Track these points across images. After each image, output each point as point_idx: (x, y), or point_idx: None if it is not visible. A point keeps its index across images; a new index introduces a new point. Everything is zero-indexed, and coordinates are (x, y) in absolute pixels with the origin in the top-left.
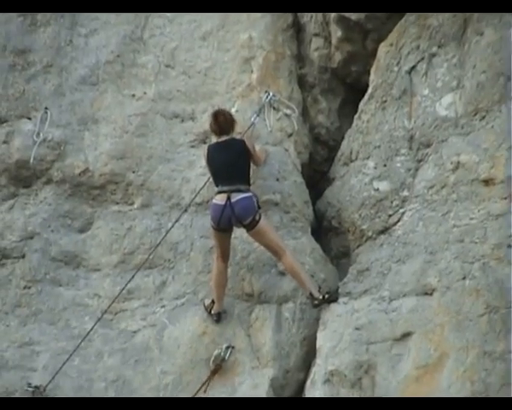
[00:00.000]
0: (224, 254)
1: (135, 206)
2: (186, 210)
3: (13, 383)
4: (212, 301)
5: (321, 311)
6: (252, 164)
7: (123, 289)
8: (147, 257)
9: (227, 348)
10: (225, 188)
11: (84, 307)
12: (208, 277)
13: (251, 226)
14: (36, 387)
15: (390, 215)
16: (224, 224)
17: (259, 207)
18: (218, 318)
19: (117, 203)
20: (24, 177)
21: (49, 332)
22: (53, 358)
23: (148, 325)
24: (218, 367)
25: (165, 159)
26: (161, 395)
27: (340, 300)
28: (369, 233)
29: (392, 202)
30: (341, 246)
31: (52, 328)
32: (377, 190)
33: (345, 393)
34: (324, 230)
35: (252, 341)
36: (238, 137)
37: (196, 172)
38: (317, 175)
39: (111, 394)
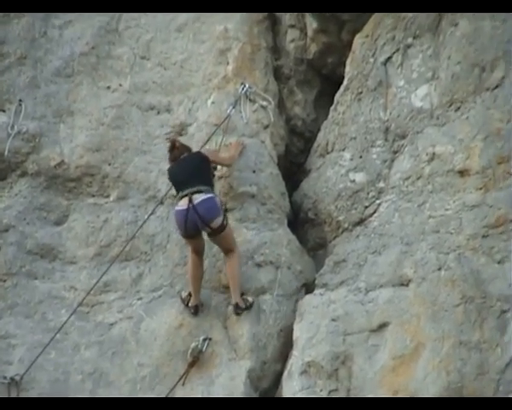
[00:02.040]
0: (198, 251)
1: (111, 198)
2: (162, 202)
3: None
4: (189, 294)
5: (297, 302)
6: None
7: (98, 280)
8: (122, 249)
9: (204, 340)
10: (185, 191)
11: (61, 300)
12: (185, 269)
13: (218, 231)
14: (11, 378)
15: (366, 207)
16: (191, 229)
17: (226, 210)
18: (196, 310)
19: (93, 196)
20: None
21: (25, 325)
22: (29, 351)
23: (124, 318)
24: (196, 359)
25: (141, 151)
26: (138, 388)
27: (317, 291)
28: (346, 225)
29: (368, 194)
30: (318, 237)
31: (28, 321)
32: (353, 181)
33: (321, 384)
34: (301, 221)
35: (229, 333)
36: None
37: None
38: (294, 167)
39: (88, 386)
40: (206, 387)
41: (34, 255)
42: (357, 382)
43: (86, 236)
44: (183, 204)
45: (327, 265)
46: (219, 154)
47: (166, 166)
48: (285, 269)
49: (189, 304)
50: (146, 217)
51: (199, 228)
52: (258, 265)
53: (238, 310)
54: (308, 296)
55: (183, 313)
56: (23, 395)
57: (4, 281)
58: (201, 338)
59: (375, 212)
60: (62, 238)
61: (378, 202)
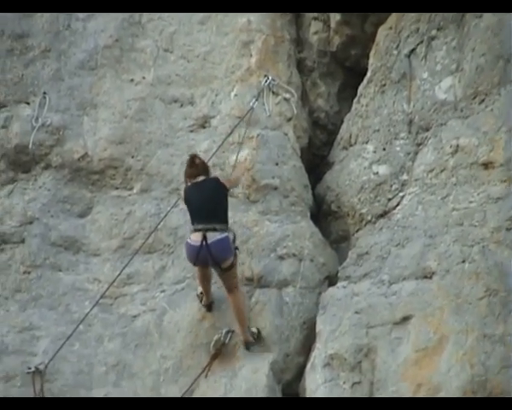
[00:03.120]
0: (207, 279)
1: (134, 191)
2: None
3: (13, 367)
4: (201, 293)
5: (320, 295)
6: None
7: (120, 272)
8: (144, 241)
9: (227, 332)
10: (200, 226)
11: (84, 292)
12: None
13: (227, 269)
14: (36, 368)
15: (389, 199)
16: (201, 263)
17: (236, 248)
18: (209, 309)
19: (116, 188)
20: (23, 162)
21: (49, 317)
22: (53, 342)
23: (147, 310)
24: (219, 352)
25: (164, 144)
26: (161, 380)
27: (340, 284)
28: (369, 217)
29: (391, 186)
30: (341, 230)
31: (52, 313)
32: (376, 173)
33: (345, 376)
34: (324, 214)
35: (252, 325)
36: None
37: None
38: (317, 159)
39: (111, 378)
40: (228, 379)
41: (58, 247)
42: (380, 374)
43: (110, 228)
44: (196, 239)
45: (350, 257)
46: (230, 179)
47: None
48: (308, 262)
49: (202, 303)
50: (168, 209)
51: (208, 263)
52: (281, 257)
53: (249, 345)
54: (331, 289)
55: None
56: (47, 385)
57: (29, 273)
58: (224, 331)
59: (398, 204)
60: (86, 231)
61: (401, 194)
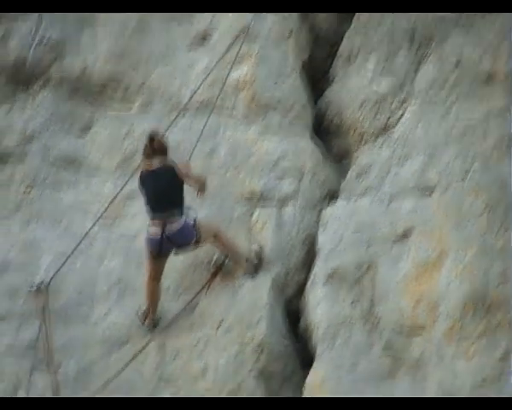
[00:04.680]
0: (158, 277)
1: (134, 108)
2: (184, 114)
3: (16, 284)
4: (146, 309)
5: (321, 212)
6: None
7: (120, 190)
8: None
9: None
10: (157, 217)
11: (85, 211)
12: (208, 180)
13: (196, 244)
14: (38, 286)
15: (390, 116)
16: (165, 252)
17: (195, 223)
18: (154, 326)
19: (116, 106)
20: (21, 79)
21: (51, 235)
22: (55, 260)
23: None
24: (219, 269)
25: (164, 60)
26: (162, 299)
27: (340, 201)
28: (369, 134)
29: (391, 103)
30: (341, 147)
31: (54, 231)
32: (377, 90)
33: (345, 293)
34: (324, 131)
35: (253, 243)
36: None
37: (196, 72)
38: (317, 75)
39: (113, 295)
40: (229, 296)
41: (58, 166)
42: (380, 290)
43: (109, 146)
44: (155, 233)
45: (350, 174)
46: (190, 172)
47: (190, 72)
48: (308, 179)
49: (145, 322)
50: (168, 126)
51: (172, 252)
52: (281, 175)
53: (256, 270)
54: (331, 206)
55: None
56: (50, 303)
57: (29, 192)
58: None
59: (398, 121)
60: (86, 149)
61: (402, 110)
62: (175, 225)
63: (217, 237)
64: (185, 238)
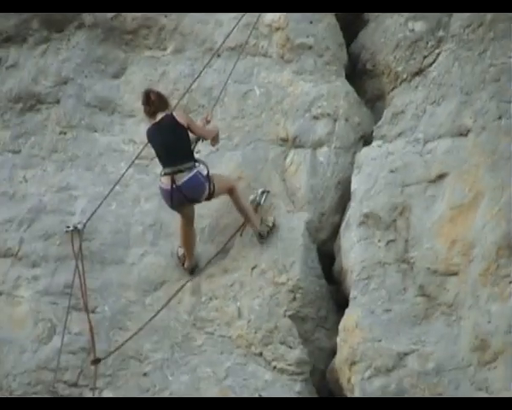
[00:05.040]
0: (188, 223)
1: (168, 51)
2: (219, 55)
3: (52, 226)
4: (183, 255)
5: (355, 154)
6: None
7: None
8: (177, 102)
9: (262, 192)
10: (167, 170)
11: (120, 153)
12: (242, 122)
13: (209, 198)
14: (74, 227)
15: (425, 56)
16: (179, 204)
17: (208, 175)
18: (191, 272)
19: (150, 48)
20: (56, 21)
21: (86, 177)
22: (90, 202)
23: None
24: (255, 211)
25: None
26: (198, 239)
27: (375, 143)
28: (404, 75)
29: (427, 43)
30: (376, 89)
31: (89, 173)
32: (412, 30)
33: (379, 235)
34: (359, 73)
35: (287, 185)
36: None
37: (229, 15)
38: (351, 16)
39: (149, 237)
40: (264, 239)
41: (93, 108)
42: (414, 232)
43: (144, 88)
44: (166, 183)
45: (385, 116)
46: (195, 122)
47: (223, 15)
48: (343, 121)
49: (184, 266)
50: (202, 69)
51: (186, 203)
52: (316, 117)
53: (262, 239)
54: (366, 148)
55: (242, 166)
56: (85, 244)
57: (65, 133)
58: (260, 191)
59: (434, 61)
60: (120, 91)
61: (437, 51)
62: (185, 176)
63: (231, 193)
64: (196, 189)
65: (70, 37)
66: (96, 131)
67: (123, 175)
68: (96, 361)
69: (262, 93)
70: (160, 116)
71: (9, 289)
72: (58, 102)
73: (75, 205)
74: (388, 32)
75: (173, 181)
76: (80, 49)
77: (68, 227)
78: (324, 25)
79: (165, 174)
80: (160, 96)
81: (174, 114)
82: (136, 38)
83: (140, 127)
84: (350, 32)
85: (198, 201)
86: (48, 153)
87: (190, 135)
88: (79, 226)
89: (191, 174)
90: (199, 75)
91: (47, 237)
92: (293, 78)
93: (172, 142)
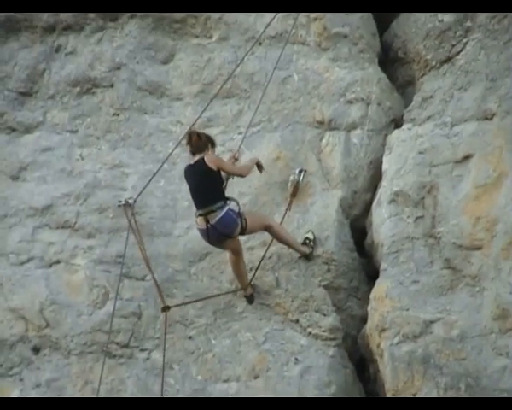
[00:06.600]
0: (234, 253)
1: (213, 39)
2: (260, 43)
3: (106, 200)
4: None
5: (387, 136)
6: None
7: (200, 115)
8: (221, 86)
9: (300, 171)
10: (200, 211)
11: (168, 134)
12: (281, 106)
13: (243, 233)
14: (126, 201)
15: (453, 45)
16: (216, 241)
17: (240, 211)
18: (250, 300)
19: (196, 36)
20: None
21: (137, 156)
22: (140, 179)
23: (226, 151)
24: (296, 190)
25: None
26: None
27: (405, 126)
28: (433, 63)
29: (455, 33)
30: (407, 75)
31: (139, 152)
32: (441, 21)
33: (408, 211)
34: (391, 60)
35: (322, 165)
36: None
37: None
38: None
39: (193, 211)
40: (301, 214)
41: (144, 92)
42: (441, 209)
43: (191, 74)
44: (201, 223)
45: (415, 101)
46: (226, 162)
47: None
48: (375, 105)
49: (244, 294)
50: (244, 56)
51: (222, 239)
52: (350, 102)
53: (310, 257)
54: (397, 131)
55: (281, 147)
56: (136, 217)
57: (117, 115)
58: (297, 170)
59: (461, 50)
60: (169, 76)
61: (465, 40)
62: (217, 213)
63: (269, 231)
64: (229, 225)
65: (123, 25)
66: (146, 113)
67: (170, 154)
68: (166, 309)
69: (300, 79)
70: (196, 158)
71: (67, 258)
72: (112, 86)
73: (127, 181)
74: (419, 22)
75: (207, 221)
76: (133, 37)
77: (120, 202)
78: (359, 15)
79: (200, 215)
80: (200, 137)
81: (205, 158)
82: (184, 27)
83: (186, 110)
84: (383, 23)
85: (231, 236)
86: (102, 133)
87: (222, 173)
88: (130, 201)
89: (223, 213)
90: (241, 61)
91: (101, 211)
92: (329, 64)
93: (203, 185)
